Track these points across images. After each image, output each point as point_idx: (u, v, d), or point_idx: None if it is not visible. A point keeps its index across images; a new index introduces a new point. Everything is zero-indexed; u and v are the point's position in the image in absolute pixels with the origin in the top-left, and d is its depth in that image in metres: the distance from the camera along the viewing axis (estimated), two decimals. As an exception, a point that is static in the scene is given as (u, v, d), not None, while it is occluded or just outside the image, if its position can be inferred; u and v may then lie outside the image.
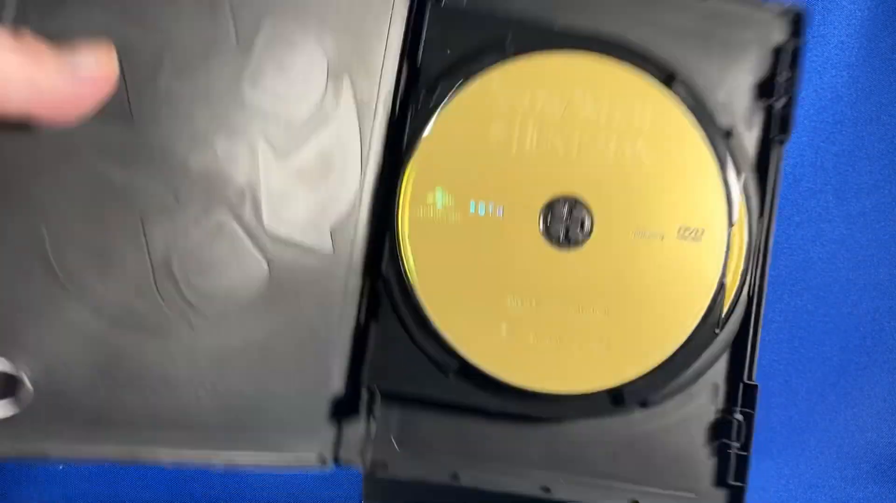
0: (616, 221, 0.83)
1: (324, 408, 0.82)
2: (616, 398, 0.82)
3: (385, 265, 0.82)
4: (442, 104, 0.84)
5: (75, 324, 0.72)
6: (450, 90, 0.84)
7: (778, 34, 0.85)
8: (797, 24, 0.85)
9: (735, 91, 0.86)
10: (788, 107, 0.84)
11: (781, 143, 0.84)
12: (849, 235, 1.26)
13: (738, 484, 0.82)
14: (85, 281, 0.72)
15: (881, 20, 1.25)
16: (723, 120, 0.85)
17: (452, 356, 0.82)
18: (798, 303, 1.26)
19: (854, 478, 1.22)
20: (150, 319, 0.75)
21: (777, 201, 0.84)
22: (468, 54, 0.85)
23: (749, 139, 0.85)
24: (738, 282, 0.82)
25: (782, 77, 0.84)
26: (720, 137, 0.84)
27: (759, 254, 0.83)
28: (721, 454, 0.83)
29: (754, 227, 0.83)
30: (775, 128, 0.84)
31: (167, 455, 0.76)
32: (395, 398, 0.83)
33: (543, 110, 0.84)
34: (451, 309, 0.82)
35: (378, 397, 0.82)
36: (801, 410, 1.25)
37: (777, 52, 0.85)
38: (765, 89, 0.85)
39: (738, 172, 0.84)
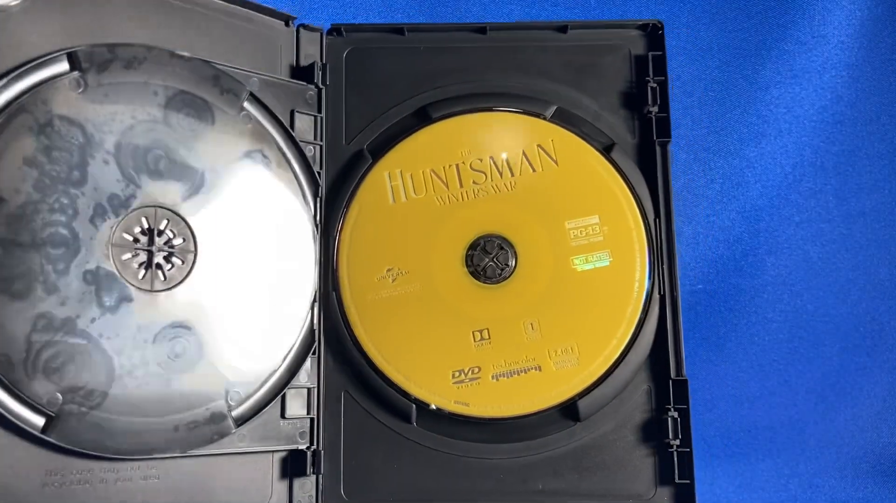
0: (536, 252, 0.84)
1: (273, 469, 0.80)
2: (569, 412, 0.82)
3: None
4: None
5: None
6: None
7: (639, 47, 0.87)
8: (655, 35, 0.87)
9: (611, 107, 0.87)
10: (663, 111, 0.85)
11: (663, 145, 0.85)
12: (849, 235, 1.22)
13: (685, 481, 0.80)
14: None
15: (881, 20, 1.21)
16: (604, 135, 0.86)
17: (411, 401, 0.82)
18: (798, 303, 1.22)
19: (854, 478, 1.15)
20: None
21: (671, 200, 0.84)
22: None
23: (634, 147, 0.87)
24: (646, 285, 0.83)
25: (651, 86, 0.85)
26: (602, 152, 0.85)
27: (661, 253, 0.84)
28: (662, 454, 0.81)
29: (652, 229, 0.84)
30: (656, 132, 0.85)
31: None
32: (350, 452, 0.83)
33: (449, 167, 0.86)
34: (403, 360, 0.83)
35: (322, 455, 0.81)
36: (801, 410, 1.20)
37: (642, 63, 0.87)
38: (638, 99, 0.86)
39: (625, 180, 0.85)
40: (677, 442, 0.81)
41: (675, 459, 0.81)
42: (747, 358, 1.21)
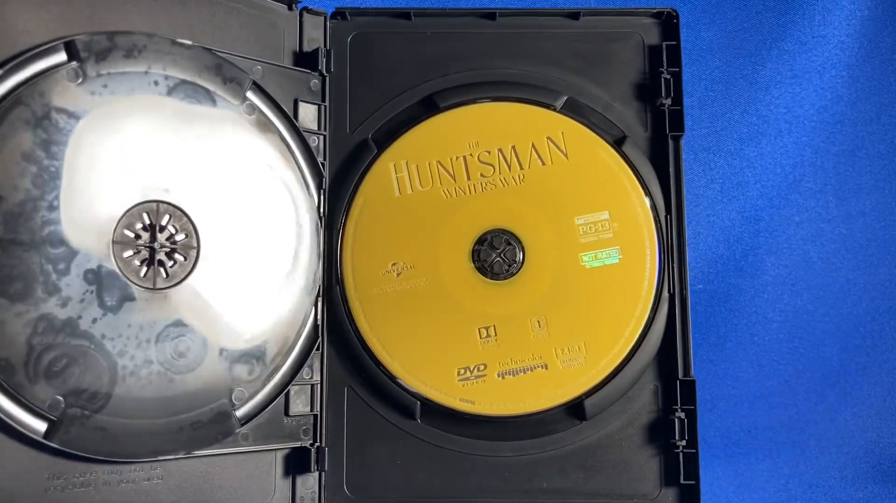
0: (544, 248, 0.82)
1: (277, 467, 0.78)
2: (576, 411, 0.81)
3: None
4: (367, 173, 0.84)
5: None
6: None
7: (652, 36, 0.85)
8: (670, 24, 0.84)
9: (622, 98, 0.84)
10: (677, 104, 0.83)
11: (676, 139, 0.83)
12: (849, 235, 1.21)
13: (690, 482, 0.79)
14: None
15: (881, 20, 1.20)
16: (615, 128, 0.84)
17: (416, 398, 0.81)
18: (798, 303, 1.21)
19: (854, 478, 1.13)
20: None
21: (683, 196, 0.82)
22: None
23: (646, 140, 0.84)
24: (655, 282, 0.81)
25: (664, 77, 0.83)
26: (613, 145, 0.83)
27: (672, 251, 0.82)
28: (668, 454, 0.80)
29: (662, 225, 0.82)
30: (669, 126, 0.83)
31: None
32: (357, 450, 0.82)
33: (456, 159, 0.84)
34: (407, 355, 0.81)
35: (325, 451, 0.79)
36: (801, 410, 1.19)
37: (655, 53, 0.84)
38: (651, 91, 0.84)
39: (637, 175, 0.83)
40: (683, 442, 0.80)
41: (681, 460, 0.80)
42: (747, 358, 1.20)
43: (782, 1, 1.21)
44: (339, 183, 0.83)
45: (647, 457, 0.81)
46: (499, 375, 0.81)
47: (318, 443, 0.79)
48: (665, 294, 0.82)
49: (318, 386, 0.80)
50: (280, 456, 0.78)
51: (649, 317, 0.81)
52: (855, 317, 1.20)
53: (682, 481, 0.79)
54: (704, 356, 1.20)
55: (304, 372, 0.79)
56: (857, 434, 1.18)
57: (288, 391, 0.78)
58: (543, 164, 0.83)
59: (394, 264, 0.82)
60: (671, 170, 0.83)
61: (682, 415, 0.80)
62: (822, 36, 1.20)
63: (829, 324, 1.20)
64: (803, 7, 1.20)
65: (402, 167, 0.83)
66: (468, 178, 0.83)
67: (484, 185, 0.83)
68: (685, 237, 0.82)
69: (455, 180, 0.83)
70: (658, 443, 0.81)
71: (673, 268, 0.82)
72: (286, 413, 0.78)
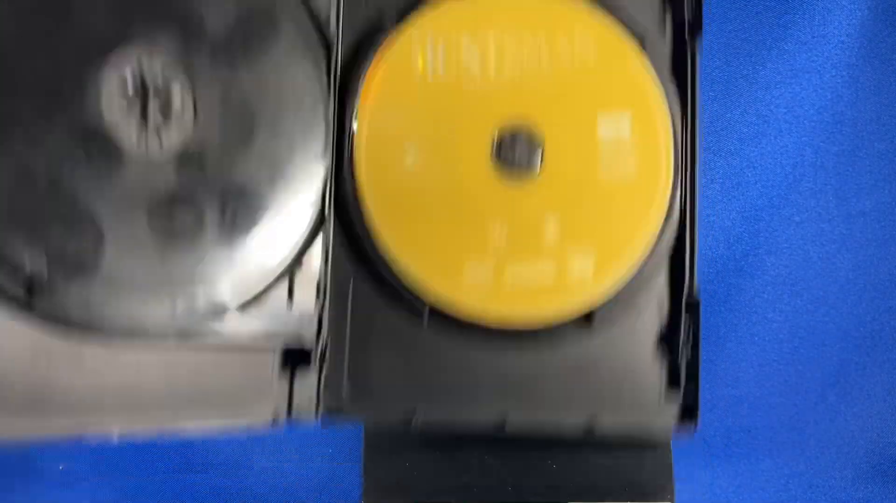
0: (565, 150, 0.80)
1: (275, 362, 0.74)
2: (585, 321, 0.79)
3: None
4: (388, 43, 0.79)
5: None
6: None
7: None
8: None
9: None
10: (698, 3, 0.80)
11: (695, 39, 0.80)
12: (849, 235, 1.19)
13: (690, 402, 0.79)
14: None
15: (881, 20, 1.19)
16: (635, 26, 0.81)
17: (423, 297, 0.78)
18: (798, 303, 1.19)
19: (854, 478, 1.13)
20: None
21: (698, 100, 0.80)
22: None
23: (666, 42, 0.82)
24: (669, 192, 0.79)
25: None
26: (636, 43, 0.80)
27: (686, 161, 0.80)
28: (672, 369, 0.80)
29: (678, 132, 0.80)
30: (688, 25, 0.81)
31: (116, 428, 0.67)
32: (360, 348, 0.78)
33: (482, 43, 0.80)
34: (416, 251, 0.78)
35: (329, 345, 0.76)
36: (801, 410, 1.17)
37: None
38: None
39: (659, 77, 0.80)
40: (685, 361, 0.79)
41: (683, 368, 0.79)
42: (747, 358, 1.18)
43: (782, 1, 1.20)
44: (353, 57, 0.79)
45: (652, 370, 0.80)
46: (509, 281, 0.78)
47: (320, 342, 0.75)
48: (676, 206, 0.80)
49: (322, 279, 0.76)
50: (278, 353, 0.74)
51: (661, 229, 0.80)
52: (855, 317, 1.18)
53: (682, 401, 0.79)
54: (704, 356, 1.15)
55: (312, 262, 0.75)
56: (857, 434, 1.16)
57: (292, 282, 0.74)
58: (573, 59, 0.80)
59: (408, 152, 0.78)
60: (688, 71, 0.80)
61: (685, 335, 0.80)
62: (822, 36, 1.19)
63: (829, 324, 1.18)
64: (803, 7, 1.19)
65: (426, 46, 0.79)
66: (494, 67, 0.79)
67: (510, 76, 0.80)
68: (697, 146, 0.80)
69: (480, 67, 0.79)
70: (662, 357, 0.80)
71: (686, 178, 0.80)
72: (288, 306, 0.74)
